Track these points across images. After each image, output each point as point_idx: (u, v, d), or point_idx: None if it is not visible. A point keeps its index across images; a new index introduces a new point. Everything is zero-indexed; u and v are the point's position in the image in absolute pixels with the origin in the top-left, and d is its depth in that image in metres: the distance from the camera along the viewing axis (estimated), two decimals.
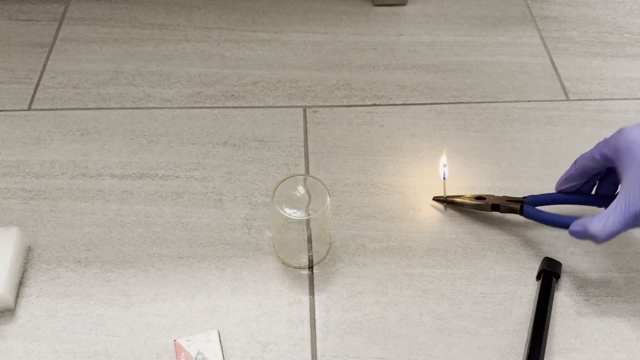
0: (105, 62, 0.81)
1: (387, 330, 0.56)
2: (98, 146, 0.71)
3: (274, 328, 0.56)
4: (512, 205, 0.60)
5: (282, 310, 0.57)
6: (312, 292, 0.59)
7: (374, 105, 0.76)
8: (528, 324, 0.56)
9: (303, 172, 0.69)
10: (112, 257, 0.61)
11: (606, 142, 0.53)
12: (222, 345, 0.54)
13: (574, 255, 0.62)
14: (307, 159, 0.70)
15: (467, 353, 0.55)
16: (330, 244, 0.62)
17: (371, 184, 0.68)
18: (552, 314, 0.57)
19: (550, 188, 0.61)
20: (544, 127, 0.74)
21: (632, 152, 0.49)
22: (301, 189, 0.57)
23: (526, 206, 0.59)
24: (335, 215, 0.65)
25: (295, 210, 0.55)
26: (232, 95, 0.77)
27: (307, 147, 0.71)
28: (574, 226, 0.53)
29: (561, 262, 0.60)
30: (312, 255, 0.60)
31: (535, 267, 0.60)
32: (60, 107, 0.75)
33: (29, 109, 0.75)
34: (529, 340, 0.54)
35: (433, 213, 0.65)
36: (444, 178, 0.65)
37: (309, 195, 0.57)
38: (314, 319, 0.57)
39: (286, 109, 0.76)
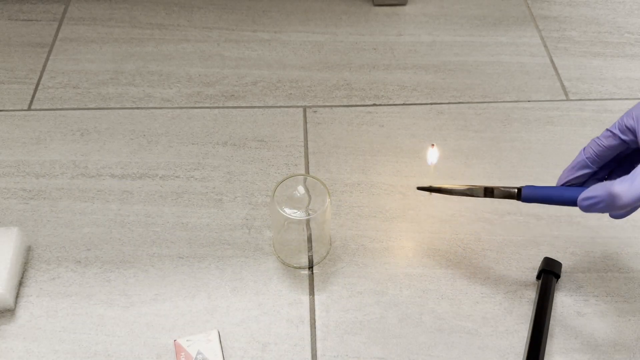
0: (105, 62, 0.81)
1: (387, 330, 0.56)
2: (98, 146, 0.71)
3: (274, 328, 0.56)
4: (509, 189, 0.52)
5: (282, 310, 0.57)
6: (312, 292, 0.59)
7: (374, 105, 0.76)
8: (528, 324, 0.56)
9: (303, 172, 0.69)
10: (112, 257, 0.61)
11: (627, 113, 0.49)
12: (222, 345, 0.54)
13: (574, 255, 0.62)
14: (307, 159, 0.70)
15: (467, 353, 0.55)
16: (330, 244, 0.62)
17: (371, 184, 0.68)
18: (552, 314, 0.57)
19: None
20: (544, 127, 0.74)
21: None
22: (301, 189, 0.57)
23: (525, 188, 0.51)
24: (335, 215, 0.65)
25: (295, 210, 0.55)
26: (232, 95, 0.77)
27: (307, 147, 0.71)
28: (589, 192, 0.45)
29: (561, 262, 0.60)
30: (312, 255, 0.60)
31: (535, 267, 0.60)
32: (60, 107, 0.75)
33: (29, 109, 0.75)
34: (529, 340, 0.54)
35: (433, 213, 0.65)
36: (432, 163, 0.63)
37: (309, 195, 0.57)
38: (314, 319, 0.57)
39: (286, 109, 0.76)
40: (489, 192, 0.53)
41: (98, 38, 0.84)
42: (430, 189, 0.56)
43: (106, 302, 0.58)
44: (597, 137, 0.50)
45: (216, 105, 0.76)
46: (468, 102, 0.77)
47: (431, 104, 0.76)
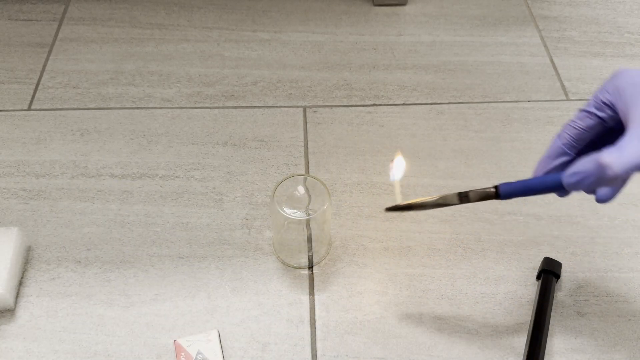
0: (105, 62, 0.81)
1: (387, 330, 0.56)
2: (98, 146, 0.71)
3: (274, 328, 0.56)
4: (486, 190, 0.48)
5: (282, 310, 0.57)
6: (312, 292, 0.59)
7: (374, 105, 0.76)
8: (528, 324, 0.56)
9: (303, 172, 0.69)
10: (112, 257, 0.61)
11: (601, 90, 0.46)
12: (222, 345, 0.54)
13: (574, 255, 0.62)
14: (307, 159, 0.70)
15: (467, 353, 0.55)
16: (330, 244, 0.62)
17: (371, 184, 0.68)
18: (552, 314, 0.56)
19: None
20: (544, 127, 0.74)
21: (638, 84, 0.43)
22: (301, 189, 0.57)
23: (502, 186, 0.47)
24: (335, 215, 0.65)
25: (295, 210, 0.55)
26: (232, 95, 0.77)
27: (307, 147, 0.71)
28: (576, 167, 0.42)
29: (561, 262, 0.60)
30: (312, 255, 0.60)
31: (535, 267, 0.60)
32: (60, 107, 0.75)
33: (29, 109, 0.75)
34: (529, 340, 0.54)
35: (433, 213, 0.65)
36: (395, 179, 0.54)
37: (309, 195, 0.57)
38: (314, 319, 0.57)
39: (286, 109, 0.76)
40: (463, 197, 0.48)
41: (98, 38, 0.84)
42: (399, 208, 0.50)
43: (106, 302, 0.58)
44: (572, 120, 0.47)
45: (216, 105, 0.76)
46: (468, 102, 0.77)
47: (431, 104, 0.76)
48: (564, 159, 0.47)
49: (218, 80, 0.79)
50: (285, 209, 0.54)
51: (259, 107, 0.76)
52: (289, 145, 0.71)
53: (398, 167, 0.53)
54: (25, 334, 0.55)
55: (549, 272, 0.58)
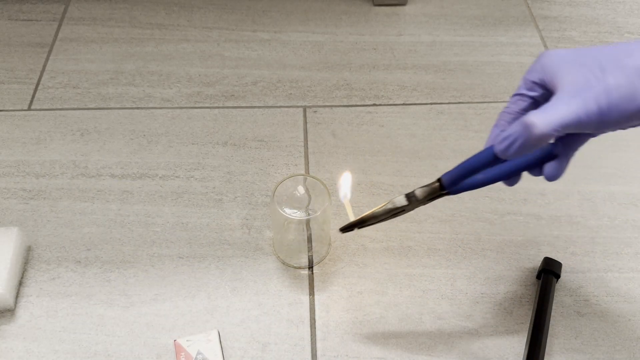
0: (105, 62, 0.81)
1: (387, 330, 0.56)
2: (98, 146, 0.71)
3: (274, 328, 0.56)
4: (430, 185, 0.47)
5: (282, 310, 0.57)
6: (312, 292, 0.59)
7: (374, 105, 0.76)
8: (528, 324, 0.56)
9: (303, 172, 0.69)
10: (112, 257, 0.61)
11: (529, 71, 0.46)
12: (222, 345, 0.54)
13: (574, 255, 0.62)
14: (307, 159, 0.70)
15: (467, 353, 0.55)
16: (330, 244, 0.62)
17: (371, 184, 0.68)
18: (552, 314, 0.56)
19: None
20: None
21: (564, 58, 0.44)
22: (301, 189, 0.57)
23: (443, 175, 0.46)
24: (335, 215, 0.65)
25: (295, 210, 0.55)
26: (232, 95, 0.77)
27: (307, 147, 0.71)
28: (504, 133, 0.42)
29: (561, 262, 0.60)
30: (312, 255, 0.60)
31: (535, 267, 0.60)
32: (60, 107, 0.75)
33: (29, 109, 0.75)
34: (528, 340, 0.54)
35: (433, 213, 0.65)
36: (345, 199, 0.52)
37: (309, 195, 0.57)
38: (314, 319, 0.57)
39: (286, 109, 0.76)
40: (411, 197, 0.47)
41: (98, 38, 0.84)
42: (352, 225, 0.49)
43: (106, 302, 0.58)
44: (505, 108, 0.47)
45: (216, 105, 0.76)
46: (468, 102, 0.77)
47: (431, 104, 0.76)
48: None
49: (218, 80, 0.79)
50: (285, 209, 0.54)
51: (259, 107, 0.76)
52: (289, 145, 0.71)
53: (345, 185, 0.52)
54: (25, 334, 0.55)
55: (549, 272, 0.58)
